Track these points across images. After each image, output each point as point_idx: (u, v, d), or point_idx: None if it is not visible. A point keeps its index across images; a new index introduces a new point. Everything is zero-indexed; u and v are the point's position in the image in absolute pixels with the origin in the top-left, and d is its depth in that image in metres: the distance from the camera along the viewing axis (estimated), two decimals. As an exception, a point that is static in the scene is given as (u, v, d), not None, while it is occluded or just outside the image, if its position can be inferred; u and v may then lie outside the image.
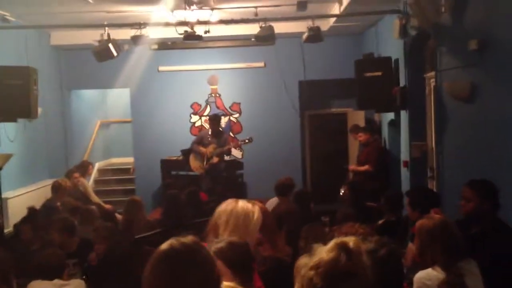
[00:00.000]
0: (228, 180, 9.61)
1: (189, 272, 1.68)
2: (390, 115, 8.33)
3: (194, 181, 8.86)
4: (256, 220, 2.93)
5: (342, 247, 1.69)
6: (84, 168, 8.94)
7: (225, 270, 2.38)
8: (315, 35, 7.76)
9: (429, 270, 2.85)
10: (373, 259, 1.98)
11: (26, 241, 5.57)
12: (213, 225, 2.93)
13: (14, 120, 7.46)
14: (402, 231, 4.84)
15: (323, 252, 1.71)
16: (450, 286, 2.77)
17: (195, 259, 1.71)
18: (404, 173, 7.32)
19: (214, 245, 2.53)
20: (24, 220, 5.82)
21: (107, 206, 8.38)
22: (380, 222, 5.34)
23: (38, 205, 6.92)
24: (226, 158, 9.68)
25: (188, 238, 1.77)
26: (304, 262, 1.82)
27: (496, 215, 3.62)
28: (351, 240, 1.72)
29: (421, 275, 2.80)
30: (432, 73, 6.38)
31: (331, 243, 1.73)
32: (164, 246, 1.75)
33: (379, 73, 7.23)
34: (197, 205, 6.76)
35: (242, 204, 2.97)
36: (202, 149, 9.14)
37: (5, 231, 6.60)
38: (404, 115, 7.30)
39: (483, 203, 3.58)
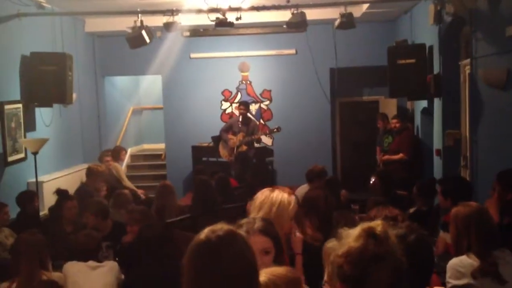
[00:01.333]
0: (258, 167, 9.62)
1: (226, 264, 1.69)
2: (423, 103, 8.21)
3: (224, 168, 8.92)
4: (291, 210, 2.97)
5: (369, 232, 1.69)
6: (116, 153, 9.08)
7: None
8: (347, 22, 7.67)
9: (463, 257, 2.83)
10: (403, 244, 1.97)
11: (66, 220, 5.71)
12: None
13: (50, 105, 7.64)
14: (433, 219, 4.79)
15: (351, 238, 1.71)
16: (483, 274, 2.74)
17: (231, 251, 1.72)
18: (437, 161, 7.22)
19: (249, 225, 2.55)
20: (66, 197, 5.93)
21: (139, 191, 8.52)
22: (411, 210, 5.29)
23: (72, 189, 7.08)
24: (256, 145, 9.71)
25: (224, 229, 1.77)
26: (332, 246, 1.82)
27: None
28: (377, 225, 1.72)
29: (454, 262, 2.78)
30: (467, 60, 6.25)
31: (358, 229, 1.73)
32: (200, 238, 1.75)
33: (413, 60, 7.13)
34: (227, 191, 6.81)
35: (277, 193, 3.00)
36: (231, 137, 9.18)
37: (41, 214, 6.77)
38: (437, 103, 7.19)
39: (506, 194, 3.53)
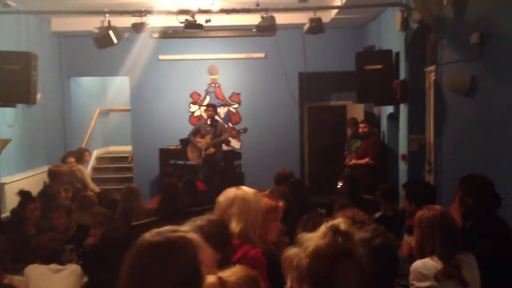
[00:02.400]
0: (226, 170, 9.61)
1: (165, 264, 1.64)
2: (389, 109, 8.33)
3: (192, 171, 8.87)
4: (260, 204, 3.02)
5: (335, 229, 1.67)
6: (80, 154, 8.93)
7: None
8: (316, 27, 7.73)
9: (427, 259, 2.86)
10: (368, 247, 1.98)
11: (29, 221, 5.58)
12: (220, 214, 2.95)
13: (13, 106, 7.45)
14: (398, 223, 4.85)
15: (316, 238, 1.69)
16: (446, 276, 2.78)
17: (172, 251, 1.67)
18: (402, 166, 7.32)
19: (192, 224, 2.54)
20: (28, 199, 5.79)
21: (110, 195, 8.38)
22: (376, 215, 5.35)
23: (35, 191, 6.92)
24: (225, 148, 9.68)
25: (167, 228, 1.73)
26: (294, 252, 1.80)
27: (490, 210, 3.60)
28: (340, 222, 1.71)
29: (418, 264, 2.81)
30: (433, 67, 6.36)
31: (322, 228, 1.70)
32: (142, 237, 1.71)
33: (380, 66, 7.22)
34: (194, 194, 6.77)
35: (246, 189, 3.04)
36: (199, 140, 9.15)
37: (2, 216, 6.60)
38: (403, 108, 7.30)
39: (466, 199, 3.60)
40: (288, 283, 1.73)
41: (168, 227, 1.76)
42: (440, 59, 5.90)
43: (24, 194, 5.96)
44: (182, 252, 1.68)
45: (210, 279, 2.14)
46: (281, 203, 3.61)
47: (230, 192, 3.02)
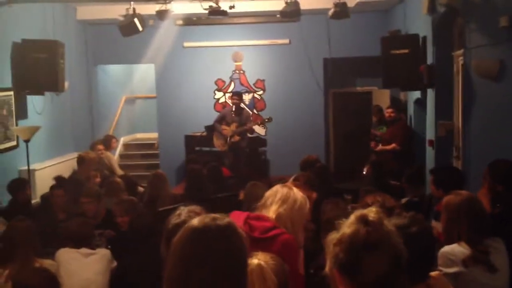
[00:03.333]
0: (251, 156, 9.65)
1: (220, 252, 1.67)
2: (416, 94, 8.22)
3: (217, 157, 8.92)
4: (307, 210, 3.10)
5: (362, 219, 1.68)
6: (107, 141, 9.05)
7: None
8: (341, 11, 7.67)
9: (454, 245, 2.83)
10: (404, 235, 1.97)
11: (57, 207, 5.71)
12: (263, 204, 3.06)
13: (42, 93, 7.59)
14: (425, 209, 4.81)
15: (345, 227, 1.71)
16: (475, 262, 2.75)
17: (225, 236, 1.70)
18: (429, 152, 7.24)
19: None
20: (55, 186, 5.94)
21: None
22: (403, 201, 5.31)
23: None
24: (250, 135, 9.70)
25: (222, 218, 1.75)
26: (332, 238, 1.82)
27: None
28: (371, 212, 1.71)
29: (445, 250, 2.79)
30: (461, 51, 6.26)
31: (352, 217, 1.72)
32: (197, 222, 1.72)
33: (406, 51, 7.12)
34: (219, 180, 6.81)
35: (297, 191, 3.11)
36: (224, 128, 9.18)
37: (32, 202, 6.74)
38: (430, 93, 7.20)
39: (495, 184, 3.55)
40: (327, 267, 1.76)
41: (208, 215, 1.78)
42: (468, 43, 5.79)
43: (59, 179, 6.11)
44: (234, 237, 1.72)
45: (252, 262, 2.20)
46: (314, 195, 3.67)
47: (277, 187, 3.12)
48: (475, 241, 2.81)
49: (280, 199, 3.01)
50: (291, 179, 5.48)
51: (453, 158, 6.65)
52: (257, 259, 2.23)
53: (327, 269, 1.78)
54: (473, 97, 5.70)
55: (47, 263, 3.97)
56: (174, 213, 2.70)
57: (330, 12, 7.86)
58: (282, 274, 2.25)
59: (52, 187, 6.00)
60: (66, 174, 7.47)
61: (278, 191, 3.06)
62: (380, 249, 1.63)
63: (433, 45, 7.02)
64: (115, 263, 4.22)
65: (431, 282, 2.30)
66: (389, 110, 8.72)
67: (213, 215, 1.76)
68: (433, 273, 2.36)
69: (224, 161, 9.00)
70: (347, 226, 1.70)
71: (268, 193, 3.09)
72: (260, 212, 3.04)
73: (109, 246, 4.49)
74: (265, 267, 2.20)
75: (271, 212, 2.97)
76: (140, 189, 7.05)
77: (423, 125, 7.66)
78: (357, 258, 1.63)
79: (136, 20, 7.50)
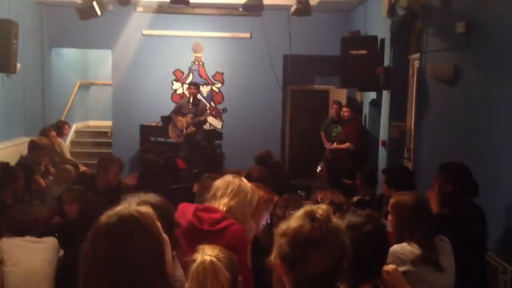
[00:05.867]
0: (206, 149, 9.61)
1: (128, 245, 1.59)
2: (372, 95, 8.36)
3: (172, 148, 8.83)
4: (254, 198, 3.07)
5: (309, 215, 1.69)
6: (59, 127, 8.82)
7: None
8: (303, 8, 7.70)
9: (404, 244, 2.88)
10: (358, 233, 1.99)
11: (13, 191, 5.51)
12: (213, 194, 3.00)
13: (-8, 74, 7.31)
14: (376, 208, 4.89)
15: (292, 219, 1.73)
16: (424, 262, 2.81)
17: (133, 232, 1.62)
18: (382, 152, 7.38)
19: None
20: (3, 184, 5.66)
21: (83, 168, 8.30)
22: (354, 199, 5.39)
23: (12, 162, 6.81)
24: (206, 127, 9.65)
25: (126, 208, 1.68)
26: (280, 229, 1.83)
27: (467, 197, 3.65)
28: (319, 209, 1.72)
29: (395, 248, 2.83)
30: (417, 55, 6.38)
31: (301, 211, 1.74)
32: (102, 219, 1.65)
33: (364, 52, 7.21)
34: (174, 171, 6.74)
35: (246, 182, 3.07)
36: (179, 119, 9.09)
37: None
38: (386, 95, 7.32)
39: (445, 185, 3.64)
40: (272, 257, 1.76)
41: (122, 205, 1.72)
42: (425, 47, 5.92)
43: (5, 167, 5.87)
44: (139, 231, 1.63)
45: (202, 257, 2.17)
46: (276, 198, 3.68)
47: (228, 177, 3.06)
48: (425, 241, 2.86)
49: (232, 191, 2.96)
50: (243, 175, 5.50)
51: (404, 159, 6.79)
52: (208, 256, 2.20)
53: (271, 257, 1.79)
54: (426, 100, 5.82)
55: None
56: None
57: (292, 9, 7.89)
58: (233, 268, 2.24)
59: (13, 171, 5.74)
60: (14, 158, 7.23)
61: (229, 182, 3.00)
62: (323, 246, 1.65)
63: (391, 47, 7.13)
64: (62, 252, 4.11)
65: (386, 277, 2.34)
66: (345, 109, 8.85)
67: (123, 206, 1.69)
68: (388, 267, 2.39)
69: (179, 152, 8.92)
70: (294, 219, 1.72)
71: (219, 184, 3.02)
72: (209, 203, 2.98)
73: (56, 235, 4.37)
74: (218, 263, 2.18)
75: (221, 205, 2.93)
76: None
77: (377, 125, 7.79)
78: (298, 252, 1.65)
79: (95, 3, 7.32)
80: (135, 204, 1.83)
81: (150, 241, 1.64)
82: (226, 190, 2.97)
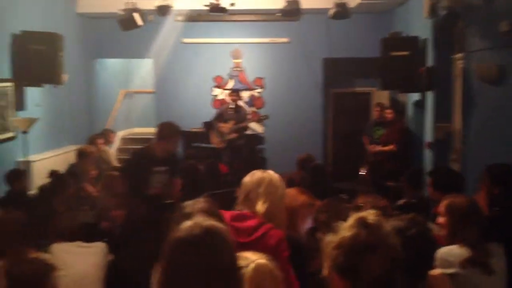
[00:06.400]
0: (248, 154, 9.65)
1: (209, 258, 1.67)
2: (415, 96, 8.23)
3: (215, 154, 8.92)
4: (285, 189, 3.02)
5: (361, 222, 1.71)
6: (106, 136, 9.03)
7: None
8: (342, 12, 7.68)
9: (453, 246, 2.84)
10: (402, 237, 1.98)
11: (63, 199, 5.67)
12: (245, 195, 2.94)
13: (40, 85, 7.56)
14: (423, 211, 4.81)
15: (344, 229, 1.73)
16: (473, 264, 2.76)
17: (215, 245, 1.70)
18: (427, 154, 7.26)
19: None
20: (54, 192, 5.81)
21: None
22: (400, 202, 5.31)
23: (60, 169, 7.03)
24: (248, 132, 9.70)
25: (207, 222, 1.75)
26: (329, 241, 1.83)
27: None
28: (369, 214, 1.74)
29: (444, 251, 2.79)
30: (461, 55, 6.27)
31: (351, 220, 1.74)
32: (183, 232, 1.72)
33: (406, 53, 7.13)
34: (216, 176, 6.81)
35: (271, 172, 3.02)
36: (222, 125, 9.18)
37: (30, 192, 6.72)
38: (429, 96, 7.21)
39: (493, 187, 3.56)
40: (325, 270, 1.76)
41: (198, 219, 1.78)
42: (468, 46, 5.81)
43: (55, 175, 6.05)
44: (221, 245, 1.71)
45: (254, 260, 2.18)
46: (317, 202, 3.66)
47: (257, 174, 3.00)
48: (476, 243, 2.81)
49: (265, 190, 2.89)
50: (285, 180, 5.50)
51: (451, 161, 6.67)
52: (259, 258, 2.21)
53: (324, 271, 1.79)
54: (472, 100, 5.71)
55: (42, 256, 3.94)
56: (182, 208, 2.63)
57: (331, 12, 7.86)
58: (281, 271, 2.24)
59: (64, 179, 5.91)
60: (63, 166, 7.46)
61: (260, 180, 2.92)
62: (380, 251, 1.65)
63: (433, 47, 7.03)
64: (111, 256, 4.21)
65: (431, 282, 2.31)
66: (388, 111, 8.75)
67: (199, 220, 1.76)
68: (434, 272, 2.36)
69: (222, 158, 9.00)
70: (347, 229, 1.72)
71: (248, 184, 2.94)
72: (243, 206, 2.92)
73: (105, 239, 4.47)
74: (271, 264, 2.18)
75: (258, 208, 2.86)
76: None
77: (421, 127, 7.68)
78: (357, 261, 1.65)
79: (135, 14, 7.50)
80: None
81: (232, 255, 1.73)
82: (258, 189, 2.90)
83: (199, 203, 2.65)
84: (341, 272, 1.70)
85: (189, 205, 2.63)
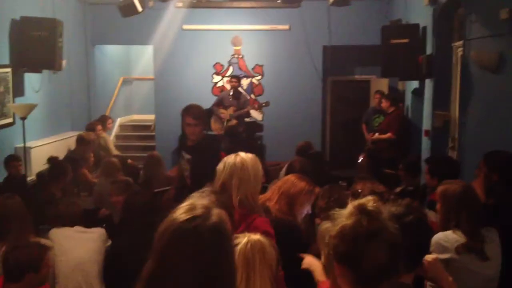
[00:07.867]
0: (247, 141, 9.66)
1: (213, 251, 1.55)
2: (414, 84, 8.22)
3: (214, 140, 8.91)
4: (260, 170, 3.04)
5: (361, 209, 1.70)
6: (103, 122, 9.05)
7: None
8: (342, -1, 7.64)
9: (448, 232, 2.86)
10: (399, 224, 1.99)
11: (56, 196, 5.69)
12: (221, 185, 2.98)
13: (39, 71, 7.56)
14: (419, 198, 4.84)
15: (343, 217, 1.72)
16: (468, 250, 2.78)
17: (220, 238, 1.58)
18: (425, 142, 7.27)
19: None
20: (52, 178, 5.81)
21: (128, 161, 8.50)
22: (397, 189, 5.34)
23: (60, 156, 7.05)
24: (247, 119, 9.70)
25: (215, 213, 1.60)
26: (327, 228, 1.83)
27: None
28: (368, 201, 1.73)
29: (439, 236, 2.81)
30: (460, 42, 6.25)
31: (350, 207, 1.73)
32: (188, 223, 1.56)
33: (406, 40, 7.12)
34: (216, 163, 6.81)
35: (243, 156, 3.03)
36: (222, 111, 9.18)
37: (28, 179, 6.75)
38: (428, 84, 7.21)
39: (491, 174, 3.57)
40: (322, 258, 1.76)
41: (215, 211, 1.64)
42: (468, 34, 5.78)
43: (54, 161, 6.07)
44: (222, 237, 1.60)
45: (251, 238, 2.19)
46: (317, 189, 3.68)
47: (229, 161, 3.01)
48: (470, 229, 2.83)
49: (237, 183, 2.92)
50: (285, 167, 5.51)
51: (449, 148, 6.68)
52: (253, 236, 2.22)
53: (322, 260, 1.79)
54: (471, 88, 5.70)
55: (42, 241, 3.97)
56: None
57: (331, -1, 7.84)
58: (276, 250, 2.24)
59: (62, 165, 5.89)
60: (62, 152, 7.48)
61: (232, 172, 2.95)
62: (381, 238, 1.65)
63: (433, 35, 7.01)
64: (109, 242, 4.24)
65: (426, 267, 2.32)
66: (384, 100, 8.72)
67: (201, 205, 1.61)
68: (428, 257, 2.38)
69: (221, 144, 9.00)
70: (347, 217, 1.71)
71: (222, 174, 2.98)
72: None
73: (104, 225, 4.50)
74: (265, 241, 2.19)
75: (234, 201, 2.89)
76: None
77: (420, 115, 7.68)
78: (359, 249, 1.65)
79: (136, 0, 7.46)
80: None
81: (226, 244, 1.62)
82: (231, 180, 2.91)
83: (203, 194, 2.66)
84: (342, 261, 1.69)
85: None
